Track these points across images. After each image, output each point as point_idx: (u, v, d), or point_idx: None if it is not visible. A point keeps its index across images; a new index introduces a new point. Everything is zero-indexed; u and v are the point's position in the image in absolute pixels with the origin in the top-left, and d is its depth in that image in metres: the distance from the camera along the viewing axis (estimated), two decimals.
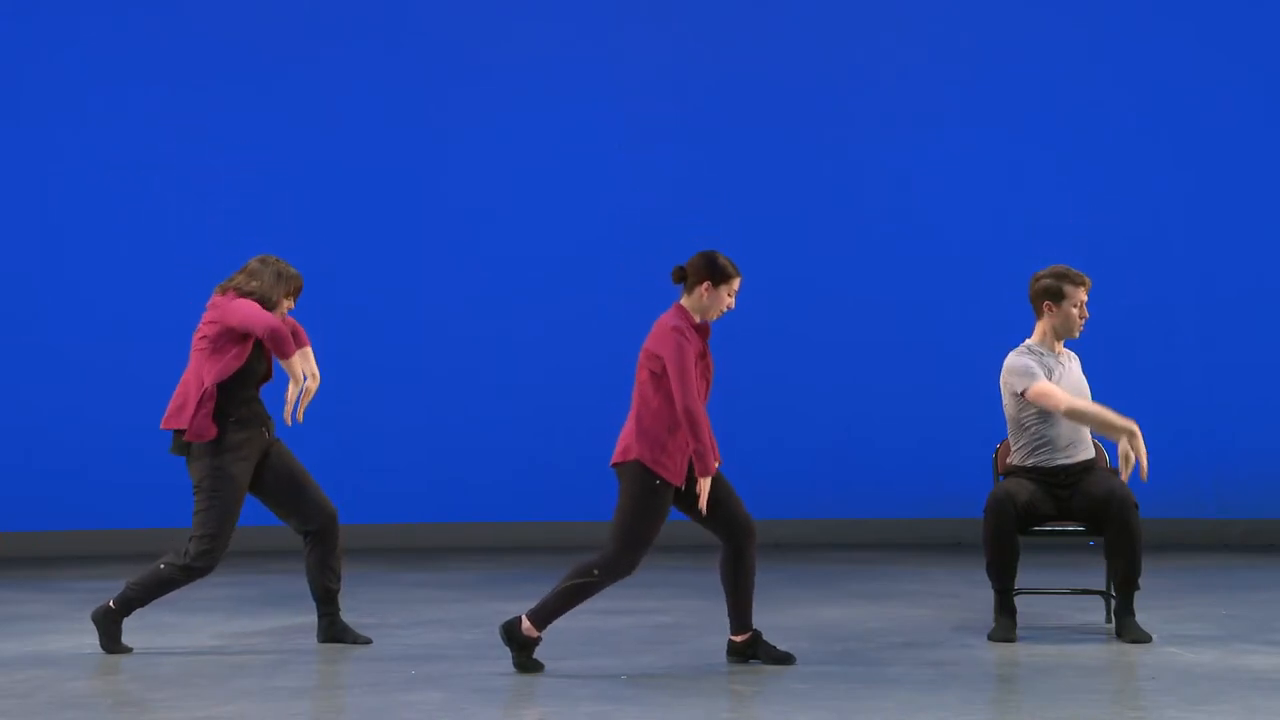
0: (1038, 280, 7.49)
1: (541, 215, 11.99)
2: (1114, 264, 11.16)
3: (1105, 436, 7.27)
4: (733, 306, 6.73)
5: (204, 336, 7.17)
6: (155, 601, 7.31)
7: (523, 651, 6.63)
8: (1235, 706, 5.78)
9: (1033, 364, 7.34)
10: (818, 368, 11.83)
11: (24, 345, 11.72)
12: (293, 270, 7.30)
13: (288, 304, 7.28)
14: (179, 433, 7.15)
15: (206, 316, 7.20)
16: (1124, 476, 7.09)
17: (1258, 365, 11.64)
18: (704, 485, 6.54)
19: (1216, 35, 11.76)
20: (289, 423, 7.22)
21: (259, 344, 7.16)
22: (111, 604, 7.21)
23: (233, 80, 11.89)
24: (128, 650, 7.19)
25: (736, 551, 6.71)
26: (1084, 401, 7.32)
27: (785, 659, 6.74)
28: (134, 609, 7.24)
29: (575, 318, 11.93)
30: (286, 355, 7.09)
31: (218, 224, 11.84)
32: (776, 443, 11.75)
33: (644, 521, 6.54)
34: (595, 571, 6.56)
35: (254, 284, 7.21)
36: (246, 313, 7.08)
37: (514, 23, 12.08)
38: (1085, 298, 7.46)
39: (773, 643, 6.83)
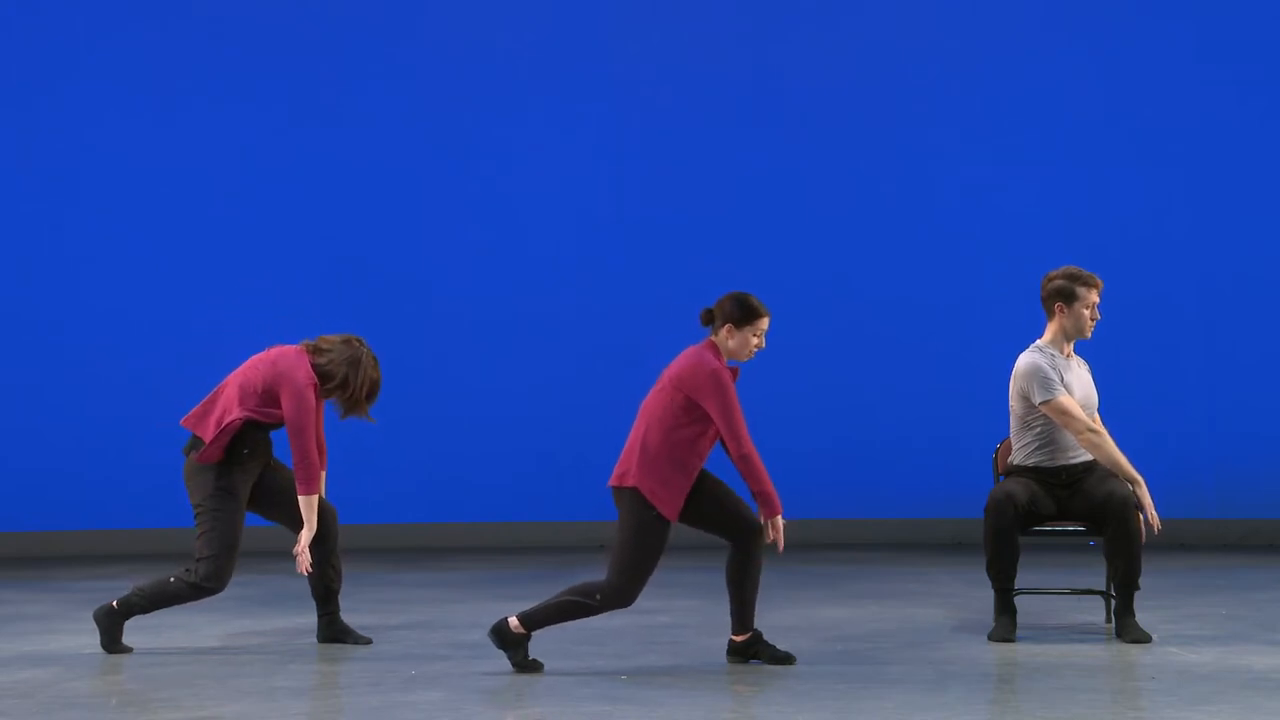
0: (1050, 281, 7.48)
1: (542, 215, 11.98)
2: (1115, 262, 11.14)
3: (1112, 472, 7.30)
4: (763, 346, 6.70)
5: (260, 373, 7.14)
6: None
7: (517, 651, 6.63)
8: (1235, 706, 5.78)
9: (1053, 375, 7.32)
10: (818, 368, 11.81)
11: (25, 346, 11.71)
12: (375, 359, 7.22)
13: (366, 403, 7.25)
14: (196, 438, 7.16)
15: (276, 360, 7.15)
16: (1153, 521, 7.21)
17: (1259, 365, 11.63)
18: (778, 524, 6.58)
19: (1218, 31, 11.75)
20: (303, 572, 7.14)
21: None
22: (115, 604, 7.21)
23: (235, 77, 11.88)
24: (128, 650, 7.19)
25: (744, 552, 6.71)
26: (1103, 435, 7.34)
27: (785, 659, 6.74)
28: (135, 614, 7.25)
29: (576, 318, 11.92)
30: (308, 492, 7.08)
31: (219, 222, 11.84)
32: (776, 443, 11.68)
33: (643, 553, 6.55)
34: (597, 597, 6.58)
35: (345, 374, 7.16)
36: (297, 424, 7.04)
37: (525, 20, 12.07)
38: (1097, 299, 7.46)
39: (773, 643, 6.84)
